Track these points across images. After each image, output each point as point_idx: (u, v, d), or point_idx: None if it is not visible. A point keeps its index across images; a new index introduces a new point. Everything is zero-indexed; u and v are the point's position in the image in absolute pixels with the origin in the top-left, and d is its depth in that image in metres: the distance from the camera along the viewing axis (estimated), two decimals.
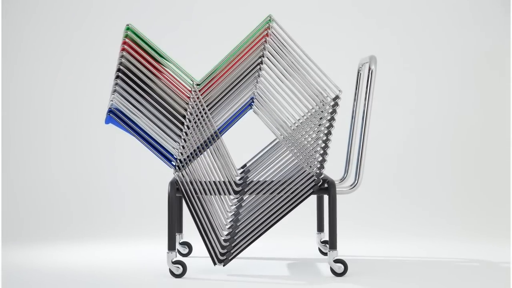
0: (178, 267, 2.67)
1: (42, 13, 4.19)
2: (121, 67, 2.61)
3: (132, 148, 3.69)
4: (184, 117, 2.66)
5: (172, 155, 2.67)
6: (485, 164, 4.10)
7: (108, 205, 3.94)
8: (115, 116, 2.63)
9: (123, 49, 2.61)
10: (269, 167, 2.74)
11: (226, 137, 2.73)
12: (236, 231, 2.68)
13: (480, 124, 4.16)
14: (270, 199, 2.67)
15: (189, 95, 2.67)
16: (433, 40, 4.20)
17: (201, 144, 2.66)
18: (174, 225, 2.66)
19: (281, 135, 2.70)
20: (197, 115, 2.66)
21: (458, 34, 4.18)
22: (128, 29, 2.63)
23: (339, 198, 2.78)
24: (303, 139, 2.70)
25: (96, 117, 3.94)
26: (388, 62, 4.00)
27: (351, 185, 2.81)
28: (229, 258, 2.68)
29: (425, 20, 4.19)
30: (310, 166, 2.68)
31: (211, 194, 2.66)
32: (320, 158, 2.69)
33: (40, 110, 4.17)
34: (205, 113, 2.66)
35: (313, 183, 2.68)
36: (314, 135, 2.69)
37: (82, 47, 4.18)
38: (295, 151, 2.69)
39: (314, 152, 2.68)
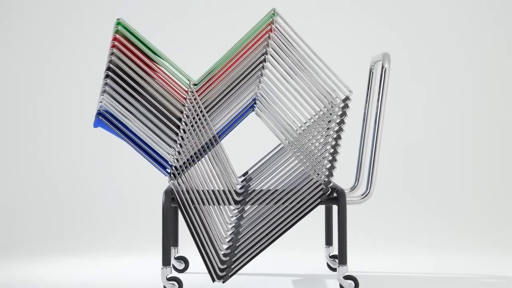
0: (174, 284, 2.62)
1: (40, 13, 4.26)
2: (111, 66, 2.56)
3: (128, 154, 3.69)
4: (180, 120, 2.61)
5: (167, 161, 2.62)
6: (509, 168, 4.13)
7: (101, 215, 3.98)
8: (104, 119, 2.58)
9: (113, 46, 2.56)
10: (272, 175, 2.70)
11: (225, 142, 2.68)
12: (237, 245, 2.63)
13: (500, 126, 4.21)
14: (274, 210, 2.63)
15: (185, 96, 2.63)
16: (437, 38, 4.28)
17: (199, 150, 2.62)
18: (169, 238, 2.61)
19: (286, 139, 2.65)
20: (194, 118, 2.60)
21: (471, 30, 4.28)
22: (118, 23, 2.58)
23: (350, 208, 2.74)
24: (310, 144, 2.66)
25: (88, 119, 3.96)
26: (401, 60, 4.03)
27: (363, 194, 2.77)
28: (229, 274, 2.63)
29: (428, 18, 4.29)
30: (318, 174, 2.63)
31: (209, 204, 2.62)
32: (329, 165, 2.64)
33: (31, 112, 4.26)
34: (203, 115, 2.61)
35: (321, 192, 2.63)
36: (322, 140, 2.65)
37: (78, 46, 4.29)
38: (301, 157, 2.65)
39: (322, 158, 2.64)
